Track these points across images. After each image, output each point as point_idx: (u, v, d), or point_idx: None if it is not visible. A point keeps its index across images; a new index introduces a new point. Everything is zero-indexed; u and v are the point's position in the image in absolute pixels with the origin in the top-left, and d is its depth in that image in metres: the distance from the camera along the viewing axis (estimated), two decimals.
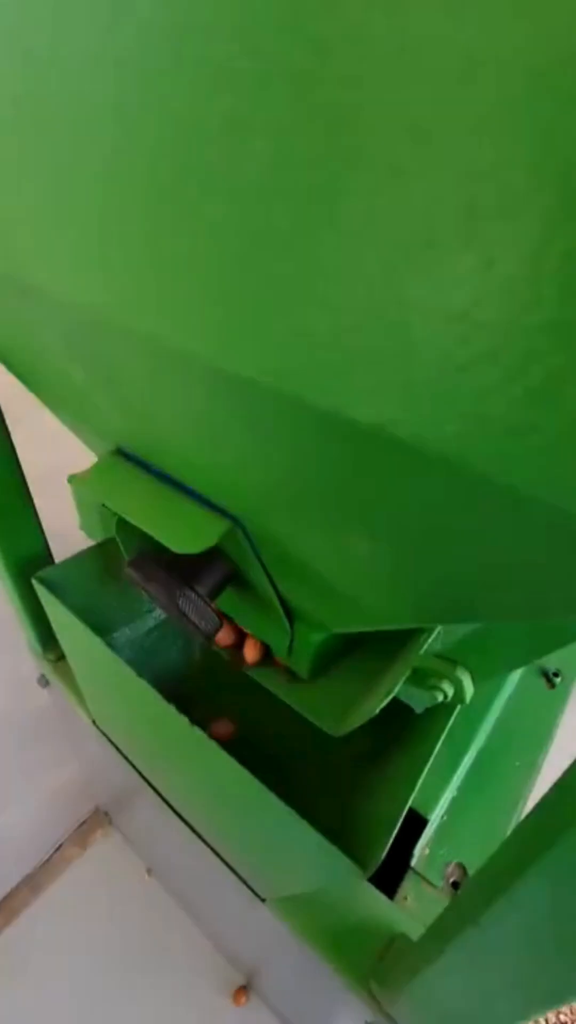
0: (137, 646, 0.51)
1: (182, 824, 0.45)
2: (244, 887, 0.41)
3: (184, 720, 0.33)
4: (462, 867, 0.42)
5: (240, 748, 0.31)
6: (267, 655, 0.40)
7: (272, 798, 0.29)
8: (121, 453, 0.32)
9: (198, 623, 0.30)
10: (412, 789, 0.31)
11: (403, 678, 0.31)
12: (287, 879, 0.36)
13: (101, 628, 0.51)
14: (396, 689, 0.31)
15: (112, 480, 0.31)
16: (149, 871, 0.81)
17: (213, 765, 0.33)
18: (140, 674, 0.34)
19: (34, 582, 0.44)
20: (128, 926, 0.77)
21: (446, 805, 0.44)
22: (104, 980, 0.72)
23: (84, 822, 0.91)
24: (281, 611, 0.33)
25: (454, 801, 0.45)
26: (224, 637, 0.41)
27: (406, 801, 0.30)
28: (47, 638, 0.54)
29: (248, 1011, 0.68)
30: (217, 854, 0.43)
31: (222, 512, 0.27)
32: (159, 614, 0.53)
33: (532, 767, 0.49)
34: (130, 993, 0.71)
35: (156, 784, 0.48)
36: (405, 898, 0.40)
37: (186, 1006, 0.69)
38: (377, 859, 0.28)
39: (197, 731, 0.32)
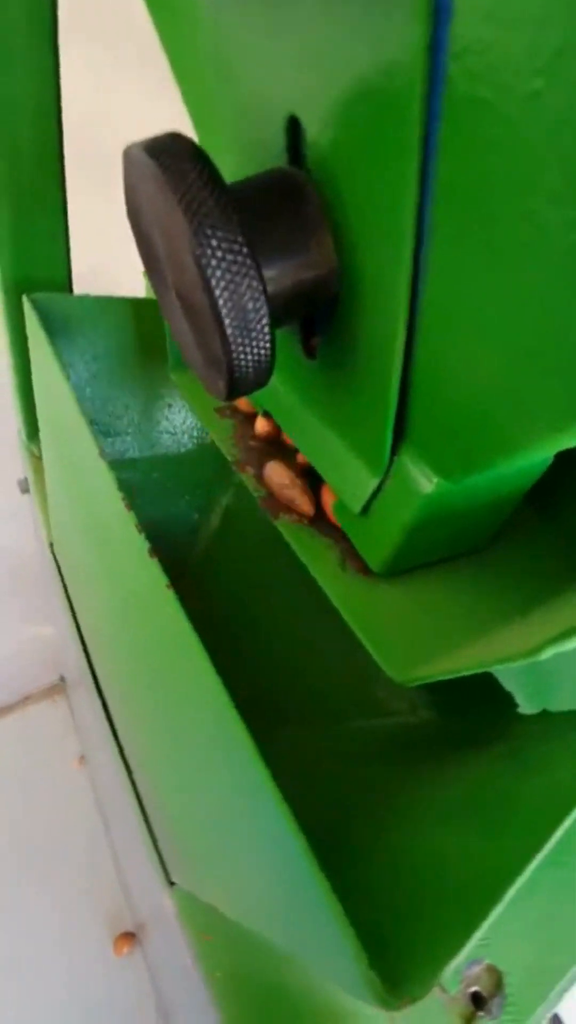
0: (137, 469, 0.36)
1: (114, 742, 0.31)
2: (154, 853, 0.26)
3: (155, 569, 0.18)
4: (496, 973, 0.25)
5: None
6: (319, 514, 0.23)
7: (268, 787, 0.13)
8: None
9: (225, 329, 0.13)
10: (526, 862, 0.14)
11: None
12: (222, 886, 0.20)
13: (100, 426, 0.36)
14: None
15: None
16: (81, 759, 0.70)
17: (178, 661, 0.18)
18: (123, 495, 0.19)
19: (25, 301, 0.29)
20: (36, 811, 0.66)
21: None
22: None
23: (34, 692, 0.81)
24: (392, 402, 0.16)
25: None
26: (264, 425, 0.25)
27: (511, 878, 0.14)
28: (36, 421, 0.40)
29: (125, 963, 0.56)
30: (136, 789, 0.28)
31: None
32: (182, 435, 0.37)
33: None
34: (6, 889, 0.60)
35: (98, 671, 0.33)
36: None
37: (61, 933, 0.57)
38: (419, 994, 0.11)
39: (171, 597, 0.17)
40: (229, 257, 0.12)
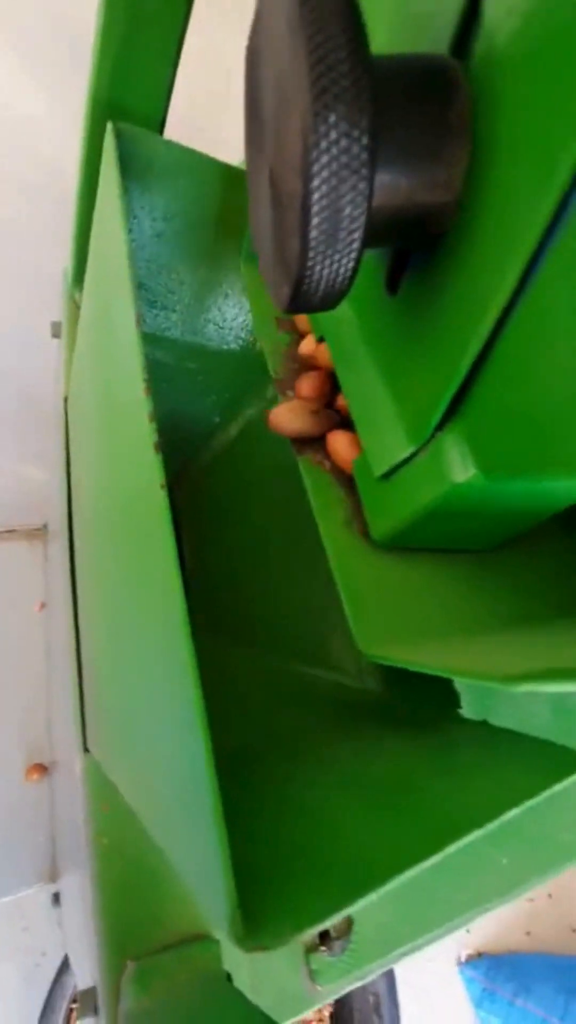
0: (173, 351, 0.34)
1: (71, 599, 0.31)
2: (78, 713, 0.27)
3: (155, 464, 0.16)
4: (348, 920, 0.27)
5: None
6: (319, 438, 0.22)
7: (192, 694, 0.12)
8: None
9: (309, 231, 0.11)
10: (417, 861, 0.14)
11: None
12: (127, 772, 0.21)
13: (149, 292, 0.34)
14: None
15: None
16: (43, 605, 0.73)
17: (149, 550, 0.17)
18: (146, 377, 0.17)
19: (108, 128, 0.26)
20: None
21: None
22: None
23: (16, 528, 0.83)
24: (460, 373, 0.14)
25: None
26: (310, 347, 0.23)
27: (394, 873, 0.14)
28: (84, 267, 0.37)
29: (32, 789, 0.61)
30: (78, 650, 0.29)
31: None
32: (228, 331, 0.35)
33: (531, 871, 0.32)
34: None
35: (75, 530, 0.33)
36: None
37: None
38: (271, 946, 0.11)
39: (162, 496, 0.16)
40: (344, 145, 0.10)
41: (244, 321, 0.35)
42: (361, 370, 0.19)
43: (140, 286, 0.32)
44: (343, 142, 0.10)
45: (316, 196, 0.11)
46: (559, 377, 0.12)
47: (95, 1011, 0.23)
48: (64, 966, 0.85)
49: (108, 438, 0.23)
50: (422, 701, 0.26)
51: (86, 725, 0.26)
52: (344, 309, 0.21)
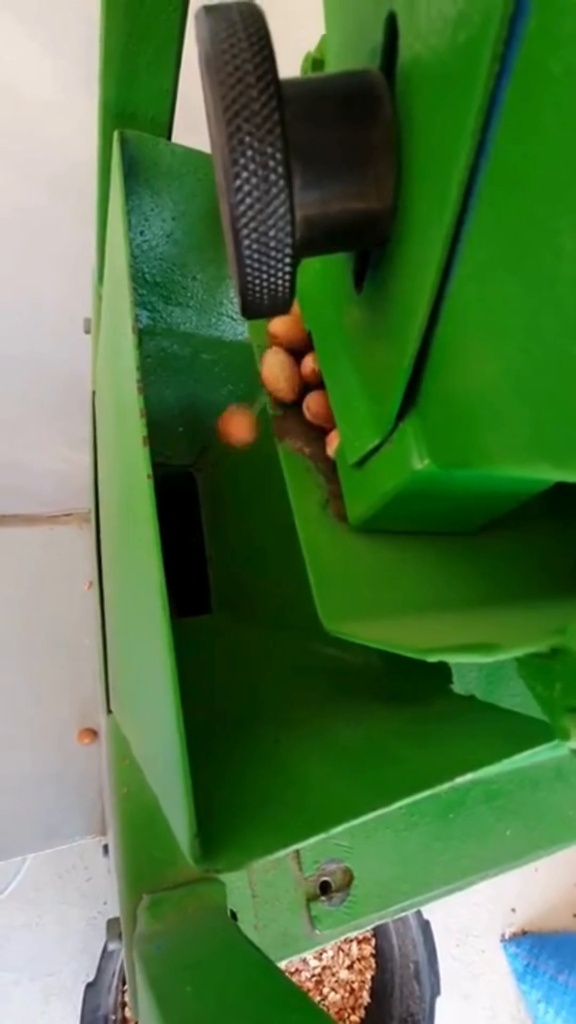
0: (188, 344, 0.36)
1: (98, 577, 0.34)
2: (102, 677, 0.30)
3: (143, 456, 0.18)
4: (348, 874, 0.29)
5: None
6: (319, 441, 0.23)
7: (164, 654, 0.14)
8: None
9: (242, 251, 0.13)
10: (367, 812, 0.16)
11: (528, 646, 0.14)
12: (134, 728, 0.23)
13: (162, 289, 0.36)
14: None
15: None
16: (90, 584, 0.78)
17: (138, 534, 0.19)
18: (139, 375, 0.19)
19: (115, 136, 0.27)
20: (45, 611, 0.76)
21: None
22: None
23: (70, 512, 0.89)
24: (407, 367, 0.15)
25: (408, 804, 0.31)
26: (282, 329, 0.24)
27: (342, 820, 0.15)
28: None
29: (83, 751, 0.67)
30: (103, 622, 0.32)
31: None
32: (241, 324, 0.37)
33: (528, 848, 0.33)
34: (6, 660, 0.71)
35: (100, 515, 0.36)
36: None
37: (40, 708, 0.68)
38: (224, 869, 0.13)
39: (148, 486, 0.18)
40: (260, 171, 0.11)
41: None
42: (337, 363, 0.20)
43: (155, 284, 0.34)
44: (258, 169, 0.11)
45: (242, 217, 0.12)
46: (481, 371, 0.13)
47: (119, 937, 0.27)
48: None
49: (117, 430, 0.25)
50: (417, 676, 0.27)
51: (108, 688, 0.29)
52: (325, 305, 0.22)
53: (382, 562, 0.20)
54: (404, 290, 0.14)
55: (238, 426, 0.35)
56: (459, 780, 0.17)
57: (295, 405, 0.24)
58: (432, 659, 0.13)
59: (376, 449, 0.19)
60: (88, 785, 0.66)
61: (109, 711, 0.29)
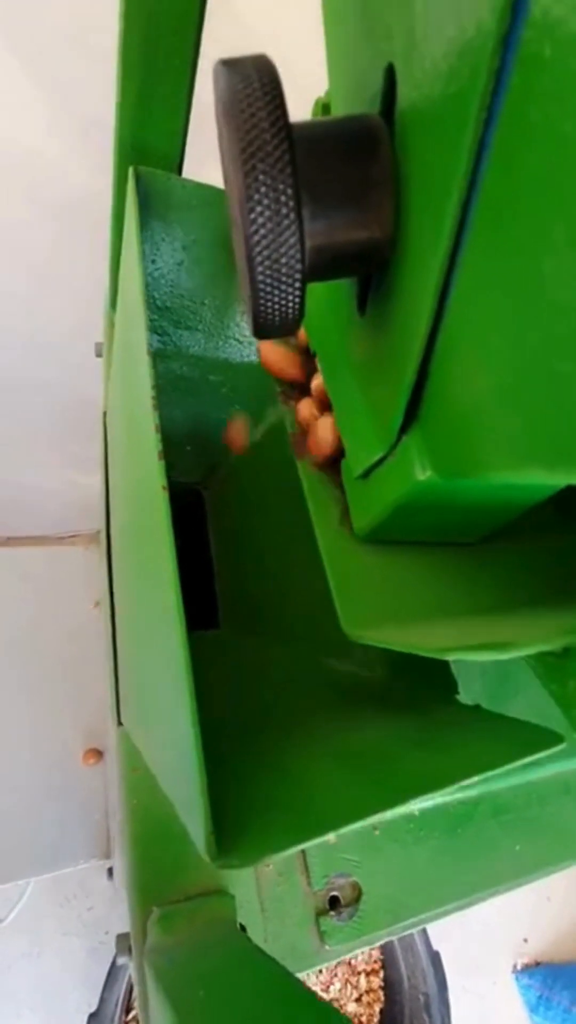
0: (197, 366, 0.37)
1: (108, 591, 0.35)
2: (113, 692, 0.30)
3: (154, 448, 0.19)
4: (357, 889, 0.29)
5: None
6: (333, 462, 0.24)
7: (180, 656, 0.15)
8: None
9: (256, 276, 0.14)
10: (372, 813, 0.16)
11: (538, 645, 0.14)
12: (146, 737, 0.24)
13: (173, 314, 0.37)
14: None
15: None
16: (98, 604, 0.79)
17: (153, 545, 0.20)
18: (154, 393, 0.20)
19: (131, 172, 0.29)
20: (51, 631, 0.76)
21: (404, 811, 0.30)
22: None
23: (77, 534, 0.90)
24: (408, 383, 0.16)
25: (416, 819, 0.31)
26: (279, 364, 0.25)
27: (349, 820, 0.16)
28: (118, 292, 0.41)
29: (88, 772, 0.67)
30: (114, 635, 0.32)
31: None
32: (247, 347, 0.38)
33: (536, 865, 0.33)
34: (11, 682, 0.71)
35: (112, 531, 0.36)
36: (267, 864, 0.28)
37: (43, 729, 0.68)
38: (236, 866, 0.14)
39: (163, 497, 0.18)
40: (272, 206, 0.13)
41: None
42: (343, 383, 0.22)
43: (166, 309, 0.35)
44: (270, 203, 0.13)
45: (257, 246, 0.13)
46: (476, 385, 0.14)
47: (129, 951, 0.27)
48: None
49: (130, 447, 0.26)
50: (422, 688, 0.28)
51: (119, 701, 0.29)
52: (329, 329, 0.23)
53: (397, 571, 0.21)
54: (404, 312, 0.15)
55: (238, 432, 0.37)
56: (466, 783, 0.18)
57: (305, 388, 0.25)
58: (450, 657, 0.13)
59: (380, 462, 0.20)
60: (93, 807, 0.65)
61: (120, 723, 0.29)
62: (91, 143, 0.57)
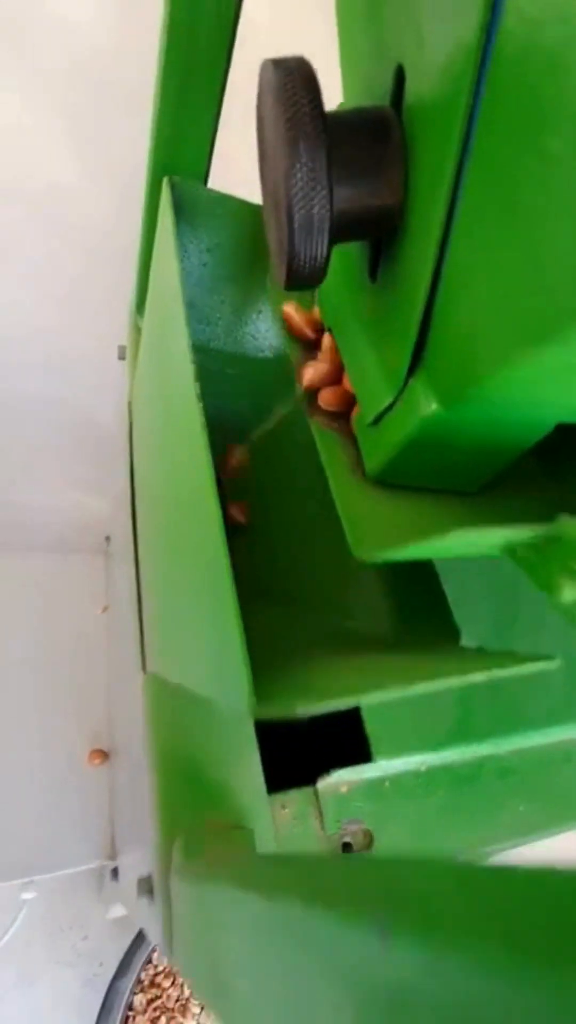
0: (216, 359, 0.41)
1: (133, 570, 0.37)
2: (138, 643, 0.32)
3: (198, 425, 0.22)
4: (369, 836, 0.30)
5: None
6: (343, 413, 0.27)
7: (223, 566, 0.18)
8: None
9: (293, 225, 0.17)
10: (399, 688, 0.18)
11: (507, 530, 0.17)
12: (176, 655, 0.26)
13: (197, 310, 0.41)
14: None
15: None
16: (105, 609, 0.80)
17: (198, 521, 0.22)
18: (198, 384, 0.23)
19: (164, 182, 0.33)
20: (56, 636, 0.77)
21: (412, 767, 0.32)
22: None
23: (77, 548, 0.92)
24: (413, 332, 0.19)
25: (424, 775, 0.33)
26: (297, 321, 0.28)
27: (373, 692, 0.18)
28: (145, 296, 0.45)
29: (93, 772, 0.67)
30: (139, 602, 0.34)
31: None
32: (263, 342, 0.42)
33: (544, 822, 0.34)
34: (15, 685, 0.72)
35: (138, 518, 0.39)
36: (284, 807, 0.30)
37: (49, 729, 0.69)
38: (268, 714, 0.16)
39: (205, 460, 0.21)
40: (309, 168, 0.16)
41: (276, 333, 0.42)
42: (355, 344, 0.25)
43: (190, 305, 0.39)
44: (310, 168, 0.16)
45: (296, 202, 0.17)
46: (472, 305, 0.17)
47: (150, 892, 0.28)
48: (119, 973, 0.87)
49: (165, 421, 0.29)
50: (428, 637, 0.30)
51: (144, 647, 0.31)
52: (343, 302, 0.26)
53: (402, 508, 0.24)
54: (410, 268, 0.19)
55: (238, 461, 0.42)
56: (467, 679, 0.20)
57: (315, 346, 0.28)
58: (447, 543, 0.16)
59: (390, 407, 0.22)
60: (97, 808, 0.65)
61: (145, 671, 0.31)
62: (114, 179, 0.63)
